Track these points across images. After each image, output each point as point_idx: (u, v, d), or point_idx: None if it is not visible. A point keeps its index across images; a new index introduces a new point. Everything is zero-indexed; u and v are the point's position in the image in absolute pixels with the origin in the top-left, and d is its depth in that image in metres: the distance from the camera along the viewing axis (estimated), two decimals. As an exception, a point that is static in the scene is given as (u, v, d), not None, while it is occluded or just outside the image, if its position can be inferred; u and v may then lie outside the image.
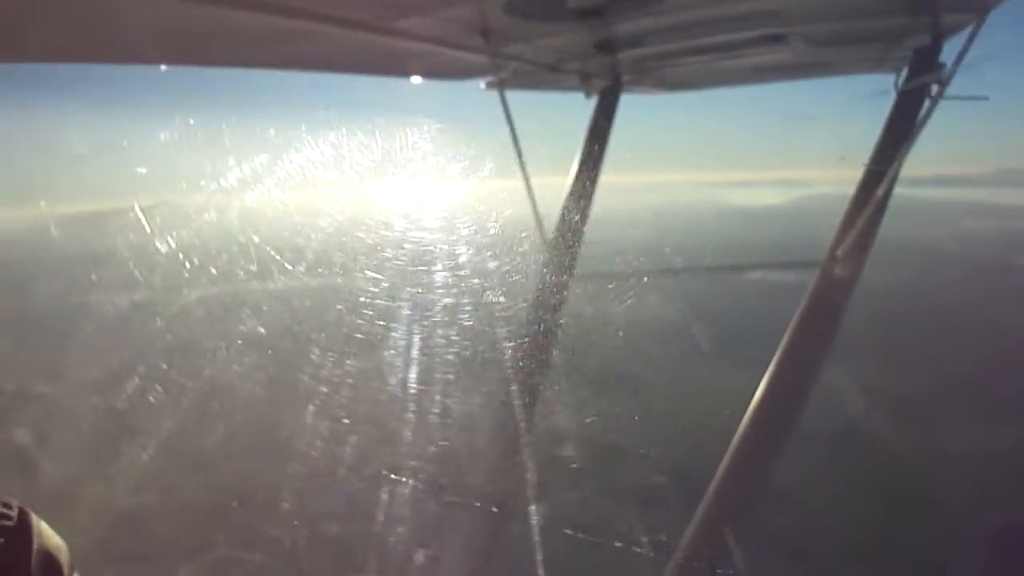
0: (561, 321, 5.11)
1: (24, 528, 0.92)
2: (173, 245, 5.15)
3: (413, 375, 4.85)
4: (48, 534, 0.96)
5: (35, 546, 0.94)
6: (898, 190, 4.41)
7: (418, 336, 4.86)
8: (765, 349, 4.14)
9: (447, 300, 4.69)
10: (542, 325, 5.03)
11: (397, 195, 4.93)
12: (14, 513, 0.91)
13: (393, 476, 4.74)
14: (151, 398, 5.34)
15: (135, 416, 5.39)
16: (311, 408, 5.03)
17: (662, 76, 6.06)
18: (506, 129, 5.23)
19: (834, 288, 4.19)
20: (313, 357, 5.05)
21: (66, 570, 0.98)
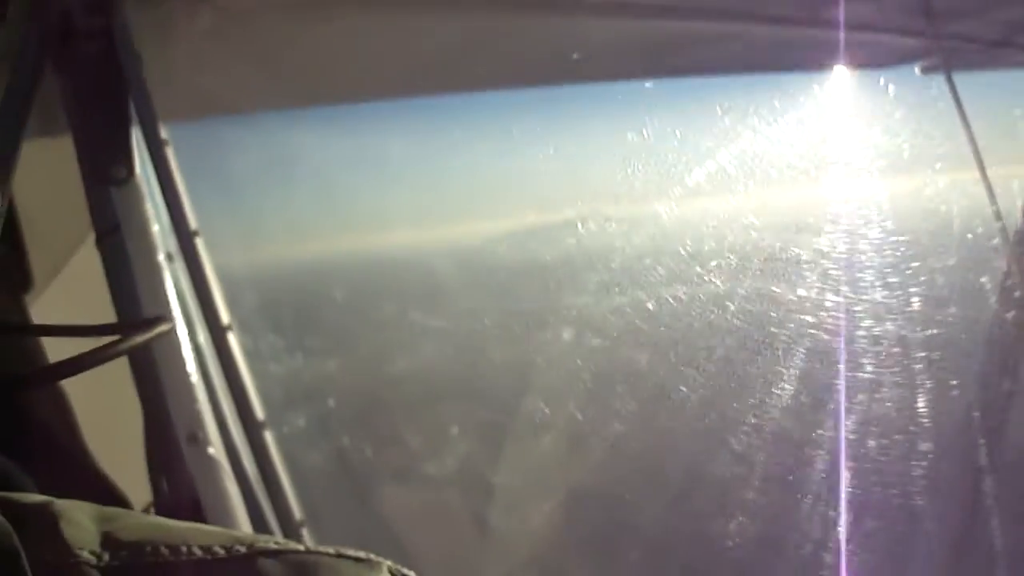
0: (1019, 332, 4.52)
1: None
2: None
3: (862, 383, 4.57)
4: None
5: None
6: None
7: (865, 343, 4.58)
8: None
9: (889, 309, 4.35)
10: (1006, 336, 4.49)
11: (822, 197, 4.70)
12: None
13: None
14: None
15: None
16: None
17: None
18: (943, 119, 4.75)
19: None
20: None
21: None
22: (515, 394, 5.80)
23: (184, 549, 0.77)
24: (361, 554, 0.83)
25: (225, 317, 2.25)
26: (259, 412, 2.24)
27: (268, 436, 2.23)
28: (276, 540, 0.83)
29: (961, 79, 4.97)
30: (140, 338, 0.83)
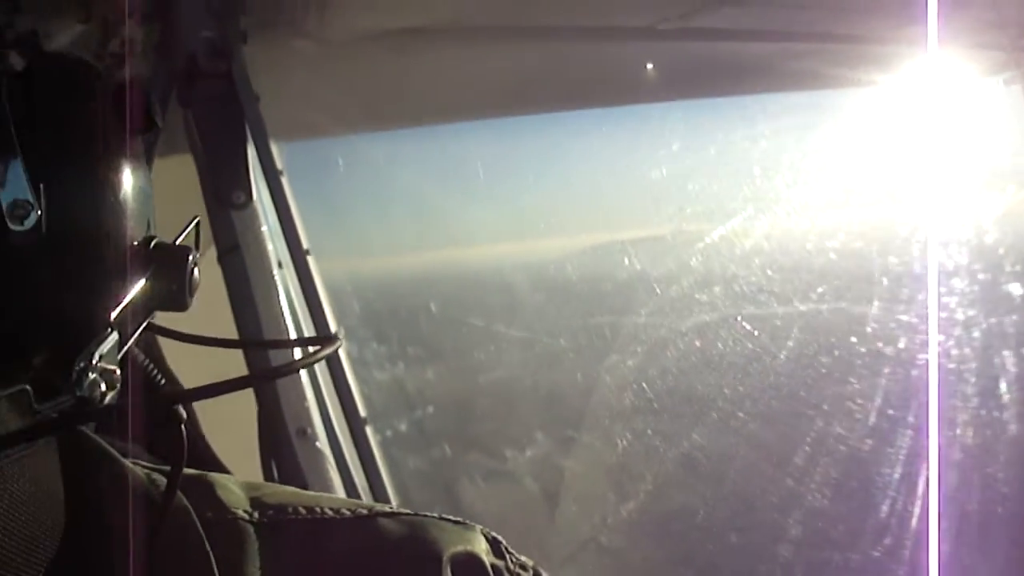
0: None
1: None
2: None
3: (907, 405, 4.61)
4: None
5: None
6: None
7: (910, 364, 4.63)
8: None
9: (946, 327, 4.41)
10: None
11: (891, 218, 4.76)
12: (529, 573, 0.98)
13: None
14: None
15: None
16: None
17: None
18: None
19: None
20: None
21: None
22: (587, 404, 5.98)
23: (318, 510, 0.95)
24: (459, 519, 1.00)
25: (333, 326, 2.52)
26: (362, 410, 2.50)
27: (369, 432, 2.49)
28: (390, 506, 1.02)
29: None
30: (322, 353, 1.05)
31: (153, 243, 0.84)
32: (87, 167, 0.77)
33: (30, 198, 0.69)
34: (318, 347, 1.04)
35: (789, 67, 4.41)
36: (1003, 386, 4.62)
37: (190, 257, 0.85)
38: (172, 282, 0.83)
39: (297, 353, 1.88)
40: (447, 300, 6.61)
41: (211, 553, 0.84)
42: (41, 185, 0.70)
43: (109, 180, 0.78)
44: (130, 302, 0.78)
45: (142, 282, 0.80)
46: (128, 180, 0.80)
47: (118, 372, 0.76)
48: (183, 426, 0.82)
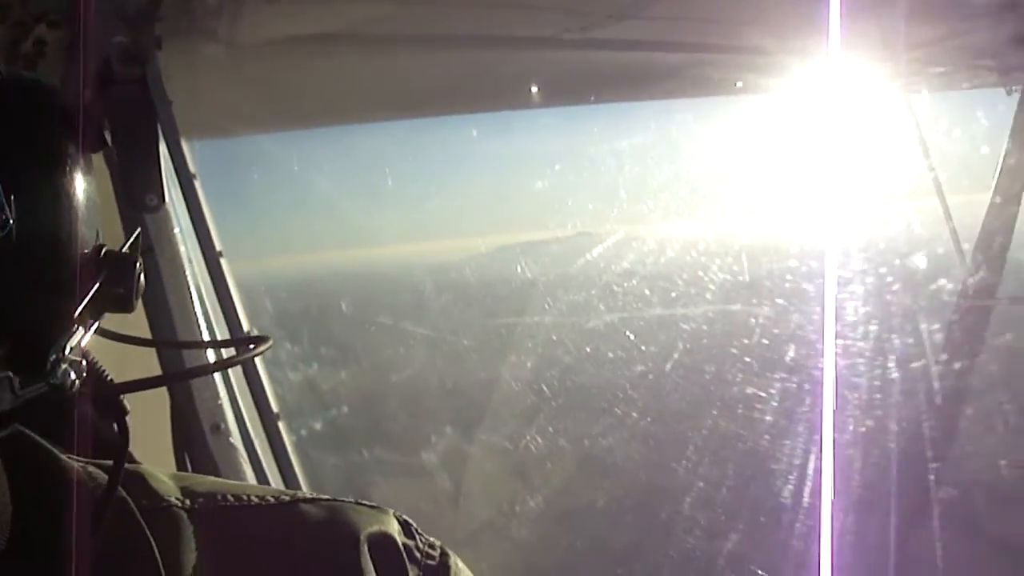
0: (974, 351, 4.82)
1: (444, 568, 1.05)
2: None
3: (803, 404, 4.85)
4: (465, 573, 1.07)
5: None
6: None
7: (808, 365, 4.87)
8: None
9: (842, 328, 4.65)
10: (952, 356, 4.78)
11: (790, 221, 4.97)
12: (437, 552, 1.06)
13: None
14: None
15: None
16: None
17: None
18: (918, 142, 5.04)
19: None
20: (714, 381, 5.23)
21: None
22: (490, 402, 6.12)
23: (245, 497, 1.03)
24: (374, 504, 1.08)
25: (245, 325, 2.61)
26: (275, 406, 2.60)
27: (282, 427, 2.59)
28: (311, 494, 1.09)
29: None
30: (250, 354, 1.14)
31: (103, 250, 0.95)
32: (52, 180, 0.86)
33: (6, 210, 0.80)
34: (252, 346, 1.14)
35: (691, 75, 4.60)
36: (889, 386, 4.90)
37: (137, 264, 0.96)
38: (121, 286, 0.93)
39: (215, 352, 1.96)
40: (357, 300, 6.67)
41: (152, 539, 0.90)
42: (12, 197, 0.81)
43: (71, 191, 0.87)
44: (87, 303, 0.89)
45: (97, 285, 0.91)
46: (84, 191, 0.90)
47: (84, 363, 0.87)
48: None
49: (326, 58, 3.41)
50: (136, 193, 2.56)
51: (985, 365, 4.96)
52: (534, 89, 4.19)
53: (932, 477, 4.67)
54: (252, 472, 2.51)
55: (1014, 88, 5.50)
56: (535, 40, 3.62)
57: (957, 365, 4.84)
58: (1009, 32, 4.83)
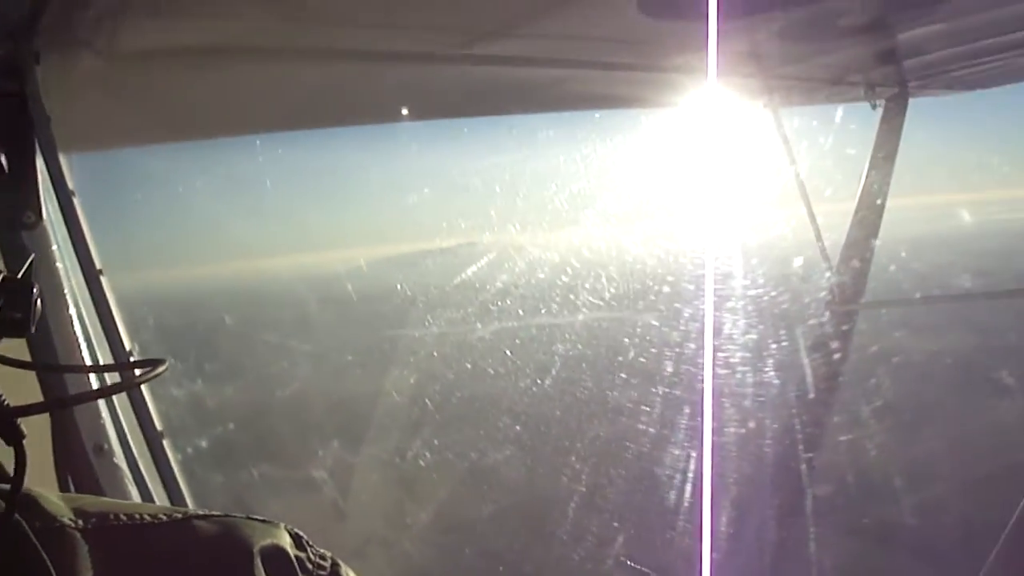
0: (844, 353, 5.05)
1: None
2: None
3: (685, 409, 5.01)
4: None
5: None
6: None
7: (691, 369, 5.02)
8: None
9: (722, 334, 4.81)
10: (823, 357, 5.01)
11: (672, 229, 5.11)
12: (328, 564, 1.10)
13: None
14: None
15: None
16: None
17: (953, 78, 5.84)
18: (785, 153, 5.24)
19: None
20: (594, 386, 5.35)
21: None
22: (376, 418, 6.13)
23: (138, 516, 1.05)
24: (265, 518, 1.12)
25: (127, 343, 2.58)
26: (158, 424, 2.58)
27: (167, 445, 2.57)
28: (202, 510, 1.12)
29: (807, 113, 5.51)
30: (148, 376, 1.16)
31: (2, 277, 0.96)
32: None
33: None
34: (147, 368, 1.16)
35: (571, 90, 4.72)
36: (765, 388, 5.10)
37: (34, 289, 0.98)
38: (18, 311, 0.96)
39: (102, 376, 1.94)
40: (241, 315, 6.58)
41: (48, 561, 0.92)
42: None
43: None
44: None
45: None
46: None
47: None
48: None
49: (206, 71, 3.39)
50: (13, 211, 2.51)
51: (853, 366, 5.19)
52: (415, 103, 4.25)
53: (804, 474, 4.87)
54: (138, 493, 2.49)
55: (878, 103, 5.81)
56: (416, 55, 3.67)
57: (826, 366, 5.06)
58: (874, 50, 5.11)
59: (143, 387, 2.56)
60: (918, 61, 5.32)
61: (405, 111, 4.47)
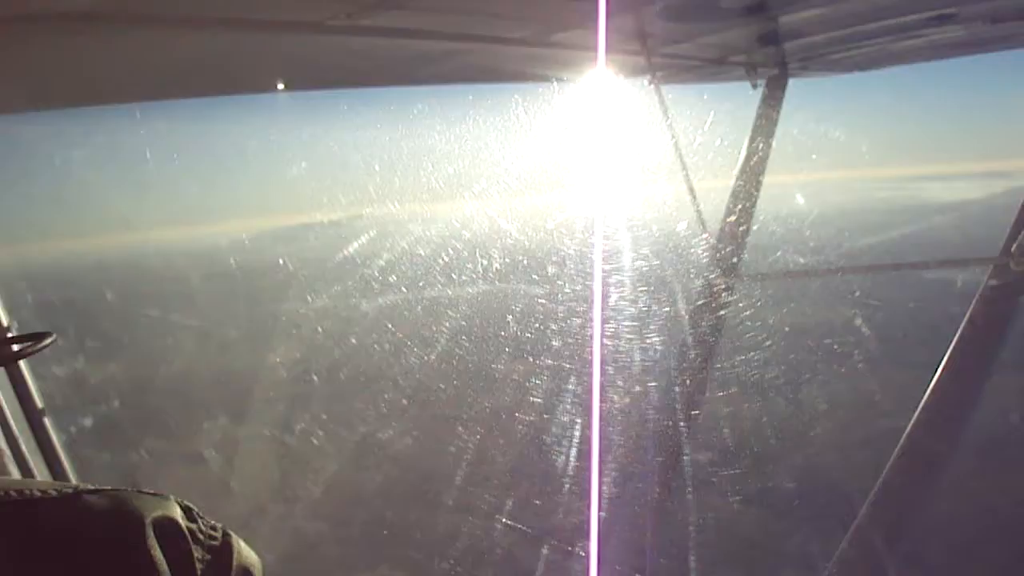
0: (722, 323, 5.21)
1: (227, 547, 1.11)
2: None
3: (571, 379, 5.11)
4: (246, 551, 1.13)
5: (235, 563, 1.11)
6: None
7: (577, 340, 5.11)
8: (934, 352, 4.16)
9: (607, 306, 4.90)
10: (704, 329, 5.15)
11: (558, 203, 5.17)
12: (219, 534, 1.12)
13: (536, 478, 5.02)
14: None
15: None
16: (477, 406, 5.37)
17: (831, 61, 6.05)
18: (668, 129, 5.34)
19: (1007, 287, 4.13)
20: (477, 359, 5.42)
21: None
22: (262, 392, 6.08)
23: (27, 492, 1.05)
24: (155, 491, 1.12)
25: (5, 319, 2.52)
26: (39, 402, 2.53)
27: (48, 423, 2.53)
28: (92, 485, 1.10)
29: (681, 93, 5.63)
30: (31, 350, 1.14)
31: None
32: None
33: None
34: (28, 344, 1.16)
35: (458, 63, 4.73)
36: (648, 357, 5.23)
37: None
38: None
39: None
40: (124, 289, 6.42)
41: None
42: None
43: None
44: None
45: None
46: None
47: None
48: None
49: (82, 38, 3.30)
50: None
51: (731, 335, 5.36)
52: (297, 74, 4.20)
53: (684, 441, 5.03)
54: (18, 472, 2.45)
55: (759, 83, 5.98)
56: (298, 25, 3.63)
57: (704, 336, 5.22)
58: (756, 32, 5.26)
59: (23, 364, 2.51)
60: (797, 44, 5.52)
61: (287, 82, 4.43)
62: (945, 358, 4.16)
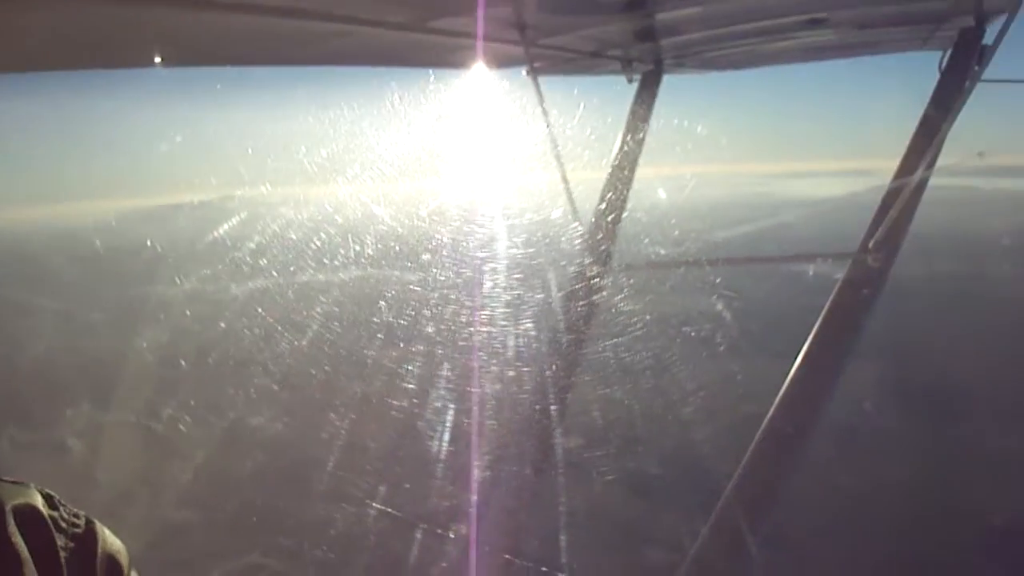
0: (594, 313, 5.32)
1: (90, 535, 1.10)
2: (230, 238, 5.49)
3: (445, 365, 5.15)
4: (111, 539, 1.13)
5: (100, 551, 1.11)
6: (942, 180, 4.51)
7: (451, 327, 5.16)
8: (796, 342, 4.34)
9: (481, 293, 4.97)
10: (575, 317, 5.25)
11: (433, 190, 5.19)
12: (82, 522, 1.11)
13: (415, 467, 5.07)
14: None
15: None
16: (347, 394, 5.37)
17: (705, 59, 6.22)
18: (544, 120, 5.41)
19: (864, 281, 4.34)
20: (347, 346, 5.41)
21: (126, 571, 1.14)
22: (128, 378, 5.94)
23: None
24: (16, 480, 1.12)
25: None
26: None
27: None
28: None
29: (560, 83, 5.70)
30: None
31: None
32: None
33: None
34: None
35: (337, 47, 4.68)
36: (528, 347, 5.31)
37: None
38: None
39: None
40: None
41: None
42: None
43: None
44: None
45: None
46: None
47: None
48: None
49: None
50: None
51: (600, 324, 5.49)
52: (168, 49, 4.10)
53: (556, 425, 5.13)
54: None
55: (634, 77, 6.11)
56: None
57: (576, 323, 5.33)
58: (633, 27, 5.37)
59: None
60: (673, 41, 5.66)
61: (158, 57, 4.31)
62: (805, 347, 4.35)
